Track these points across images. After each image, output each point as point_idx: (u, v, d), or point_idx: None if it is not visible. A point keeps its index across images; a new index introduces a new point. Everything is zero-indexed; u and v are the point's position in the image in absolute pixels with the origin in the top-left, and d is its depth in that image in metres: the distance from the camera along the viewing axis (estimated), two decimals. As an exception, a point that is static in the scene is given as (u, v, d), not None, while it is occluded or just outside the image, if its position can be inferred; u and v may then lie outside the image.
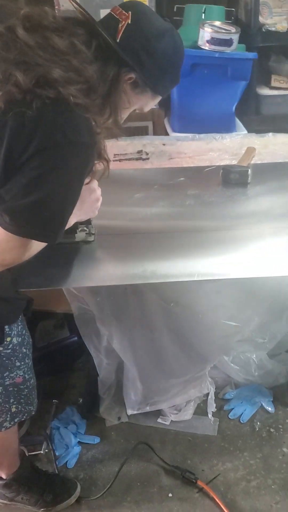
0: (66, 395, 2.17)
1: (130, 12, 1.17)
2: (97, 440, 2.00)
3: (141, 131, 2.61)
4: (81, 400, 2.10)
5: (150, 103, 1.32)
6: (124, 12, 1.17)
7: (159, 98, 1.32)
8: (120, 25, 1.16)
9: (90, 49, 1.12)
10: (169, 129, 2.58)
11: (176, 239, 1.53)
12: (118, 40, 1.16)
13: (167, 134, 2.57)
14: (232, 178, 1.77)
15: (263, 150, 1.98)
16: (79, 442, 1.98)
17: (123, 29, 1.16)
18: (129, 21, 1.16)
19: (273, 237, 1.52)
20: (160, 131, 2.66)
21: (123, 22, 1.16)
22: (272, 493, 1.80)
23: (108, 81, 1.16)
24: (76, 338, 2.25)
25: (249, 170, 1.77)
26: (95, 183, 1.36)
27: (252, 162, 1.87)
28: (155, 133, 2.67)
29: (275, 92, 2.64)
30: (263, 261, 1.44)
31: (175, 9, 2.58)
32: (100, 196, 1.39)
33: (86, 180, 1.25)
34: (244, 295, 1.72)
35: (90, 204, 1.37)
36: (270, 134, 2.08)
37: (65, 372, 2.28)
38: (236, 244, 1.50)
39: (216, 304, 1.72)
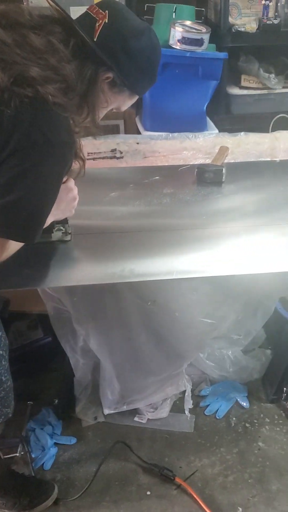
0: (41, 396, 2.14)
1: (107, 11, 1.17)
2: (73, 440, 1.99)
3: (113, 130, 2.60)
4: (56, 401, 2.08)
5: (128, 102, 1.32)
6: (101, 11, 1.17)
7: (136, 98, 1.32)
8: (97, 24, 1.16)
9: (67, 47, 1.12)
10: (140, 128, 2.58)
11: (153, 237, 1.53)
12: (95, 39, 1.15)
13: (138, 132, 2.57)
14: (207, 177, 1.79)
15: (235, 149, 2.01)
16: (55, 443, 1.97)
17: (100, 28, 1.16)
18: (106, 20, 1.16)
19: (248, 234, 1.54)
20: (131, 129, 2.66)
21: (100, 21, 1.16)
22: (248, 487, 1.83)
23: (86, 80, 1.15)
24: (50, 338, 2.23)
25: (224, 169, 1.79)
26: (71, 182, 1.36)
27: (226, 161, 1.89)
28: (127, 131, 2.66)
29: (245, 92, 2.66)
30: (239, 259, 1.45)
31: (145, 8, 2.58)
32: (77, 195, 1.38)
33: (63, 179, 1.24)
34: (220, 292, 1.74)
35: (67, 203, 1.36)
36: (242, 133, 2.10)
37: (39, 373, 2.26)
38: (213, 242, 1.51)
39: (192, 302, 1.73)
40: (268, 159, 1.99)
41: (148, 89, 1.32)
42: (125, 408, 2.00)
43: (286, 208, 1.69)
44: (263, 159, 1.99)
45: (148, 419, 2.05)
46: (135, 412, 2.06)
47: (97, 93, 1.20)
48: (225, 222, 1.61)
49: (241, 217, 1.64)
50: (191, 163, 1.94)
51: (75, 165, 1.27)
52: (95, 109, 1.22)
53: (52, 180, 1.14)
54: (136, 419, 2.05)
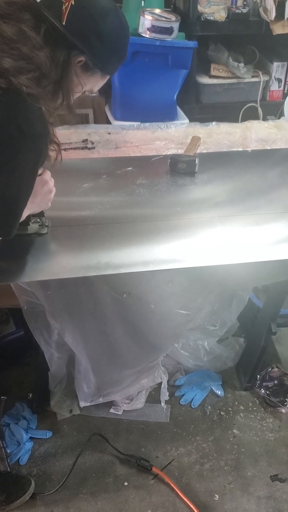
0: (14, 391, 2.12)
1: None
2: (49, 434, 1.98)
3: (82, 119, 2.56)
4: (31, 395, 2.06)
5: (100, 83, 1.30)
6: None
7: (107, 77, 1.31)
8: (64, 7, 1.13)
9: (39, 34, 1.09)
10: (110, 117, 2.55)
11: (128, 228, 1.52)
12: (64, 23, 1.12)
13: (108, 122, 2.54)
14: (180, 168, 1.78)
15: (207, 139, 2.00)
16: (31, 437, 1.95)
17: (67, 11, 1.13)
18: (73, 2, 1.13)
19: (223, 224, 1.55)
20: (101, 118, 2.62)
21: (66, 3, 1.13)
22: (224, 474, 1.86)
23: (59, 66, 1.14)
24: (22, 332, 2.20)
25: (197, 159, 1.78)
26: (47, 175, 1.33)
27: (198, 151, 1.88)
28: (96, 121, 2.62)
29: (215, 81, 2.66)
30: (216, 249, 1.46)
31: (113, -5, 2.54)
32: (53, 187, 1.36)
33: (39, 172, 1.22)
34: (196, 283, 1.74)
35: (43, 196, 1.34)
36: (214, 123, 2.10)
37: (12, 367, 2.23)
38: (189, 232, 1.51)
39: (168, 294, 1.73)
40: (240, 149, 1.99)
41: (118, 68, 1.30)
42: (101, 400, 2.00)
43: (258, 198, 1.71)
44: (235, 149, 1.99)
45: (124, 410, 2.05)
46: (110, 404, 2.05)
47: (71, 77, 1.18)
48: (200, 212, 1.61)
49: (215, 206, 1.65)
50: (163, 154, 1.92)
51: (51, 152, 1.25)
52: (70, 94, 1.20)
53: (27, 173, 1.12)
54: (112, 410, 2.05)
